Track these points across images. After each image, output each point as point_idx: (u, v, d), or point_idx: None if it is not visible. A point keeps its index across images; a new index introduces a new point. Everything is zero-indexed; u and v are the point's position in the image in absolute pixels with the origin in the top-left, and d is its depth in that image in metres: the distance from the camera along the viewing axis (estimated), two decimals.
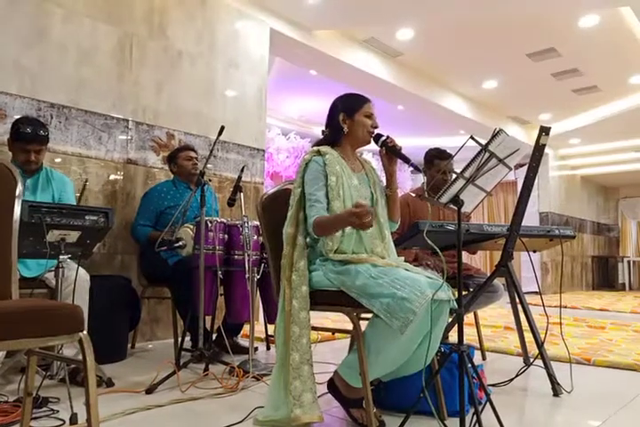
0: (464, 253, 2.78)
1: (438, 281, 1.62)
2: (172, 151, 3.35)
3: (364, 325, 1.72)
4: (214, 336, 2.95)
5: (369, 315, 1.69)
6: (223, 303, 2.86)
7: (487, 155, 1.70)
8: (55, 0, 3.09)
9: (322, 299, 1.78)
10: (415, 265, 1.92)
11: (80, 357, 1.20)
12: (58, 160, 3.05)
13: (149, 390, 2.15)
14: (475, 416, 1.51)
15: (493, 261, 10.07)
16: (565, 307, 6.28)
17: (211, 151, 2.65)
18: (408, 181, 9.85)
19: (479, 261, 10.66)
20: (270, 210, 2.03)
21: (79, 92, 3.18)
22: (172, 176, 3.30)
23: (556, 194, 9.48)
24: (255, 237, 2.69)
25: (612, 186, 11.92)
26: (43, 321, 1.15)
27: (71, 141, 3.12)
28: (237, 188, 2.72)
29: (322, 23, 4.85)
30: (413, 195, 2.89)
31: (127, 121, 3.41)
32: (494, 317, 4.98)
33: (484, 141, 1.70)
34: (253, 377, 2.35)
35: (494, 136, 1.70)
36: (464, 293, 2.54)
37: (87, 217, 2.07)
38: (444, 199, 1.72)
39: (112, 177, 3.32)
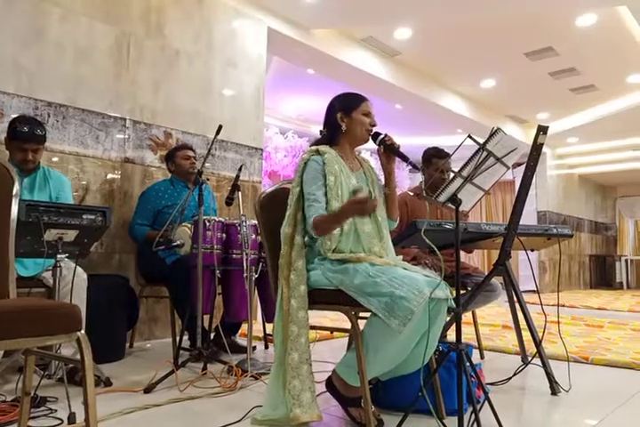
0: (461, 252, 2.78)
1: (436, 280, 1.62)
2: (169, 150, 3.34)
3: (362, 324, 1.72)
4: (212, 335, 2.95)
5: (367, 314, 1.69)
6: (221, 302, 2.86)
7: (485, 154, 1.71)
8: None
9: (320, 298, 1.78)
10: (413, 264, 1.92)
11: (78, 356, 1.20)
12: (55, 159, 3.04)
13: (148, 390, 2.15)
14: (473, 415, 1.51)
15: (491, 259, 10.08)
16: (563, 306, 6.30)
17: (209, 150, 2.65)
18: (406, 180, 9.85)
19: (477, 259, 10.67)
20: (268, 209, 2.02)
21: (76, 91, 3.17)
22: (169, 175, 3.30)
23: (553, 193, 9.49)
24: (253, 237, 2.69)
25: (609, 185, 11.94)
26: (40, 320, 1.15)
27: (68, 140, 3.12)
28: (235, 187, 2.72)
29: (320, 22, 4.84)
30: (411, 194, 2.89)
31: (124, 120, 3.40)
32: (492, 315, 4.99)
33: (481, 140, 1.70)
34: (252, 376, 2.35)
35: (492, 135, 1.70)
36: (462, 291, 2.54)
37: (85, 216, 2.07)
38: (442, 198, 1.72)
39: (109, 176, 3.31)
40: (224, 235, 2.70)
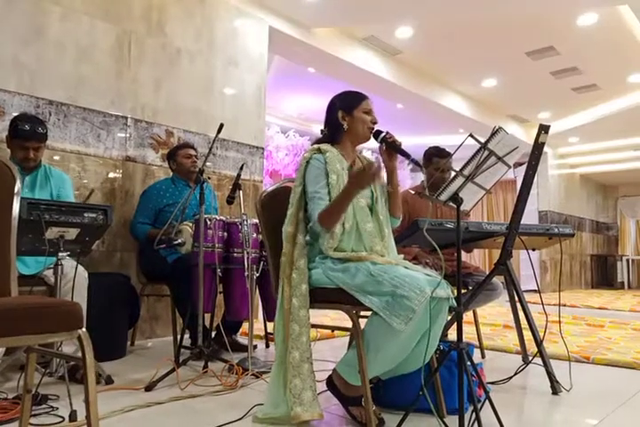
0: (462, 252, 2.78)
1: (437, 279, 1.62)
2: (171, 149, 3.34)
3: (363, 323, 1.72)
4: (213, 334, 2.95)
5: (368, 313, 1.69)
6: (222, 301, 2.87)
7: (486, 153, 1.70)
8: None
9: (321, 297, 1.77)
10: (414, 263, 1.92)
11: (79, 354, 1.20)
12: (56, 158, 3.05)
13: (149, 388, 2.15)
14: (474, 414, 1.51)
15: (492, 259, 10.08)
16: (564, 305, 6.30)
17: (210, 149, 2.65)
18: (407, 180, 9.85)
19: (478, 259, 10.67)
20: (269, 208, 2.02)
21: (78, 90, 3.17)
22: (171, 174, 3.30)
23: (555, 192, 9.48)
24: (254, 235, 2.69)
25: (611, 184, 11.93)
26: (42, 318, 1.15)
27: (70, 139, 3.12)
28: (236, 185, 2.72)
29: (321, 21, 4.84)
30: (412, 192, 2.89)
31: (126, 118, 3.41)
32: (493, 315, 4.99)
33: (483, 140, 1.70)
34: (252, 375, 2.35)
35: (493, 134, 1.70)
36: (463, 291, 2.54)
37: (86, 214, 2.07)
38: (444, 197, 1.72)
39: (111, 175, 3.31)
40: (225, 233, 2.70)
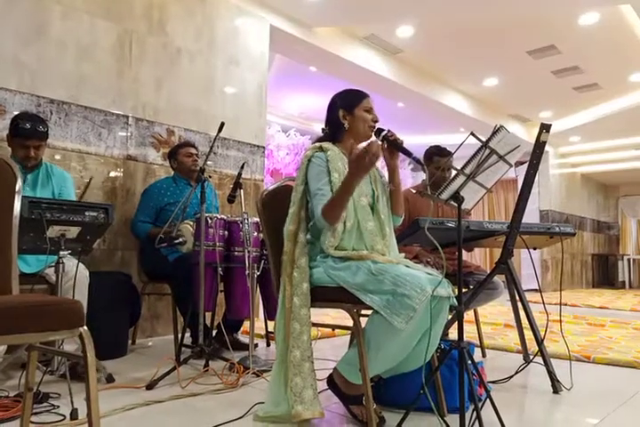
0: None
1: (438, 278, 1.62)
2: (172, 148, 3.35)
3: (364, 321, 1.72)
4: (214, 333, 2.96)
5: (369, 311, 1.69)
6: (223, 300, 2.87)
7: (488, 151, 1.70)
8: None
9: (322, 295, 1.77)
10: (415, 262, 1.92)
11: (80, 352, 1.20)
12: (57, 157, 3.05)
13: (149, 386, 2.15)
14: (474, 413, 1.51)
15: (493, 258, 10.07)
16: (565, 304, 6.29)
17: (211, 148, 2.65)
18: (409, 179, 9.85)
19: (479, 258, 10.67)
20: (270, 206, 2.02)
21: (79, 89, 3.18)
22: (172, 173, 3.30)
23: (556, 192, 9.48)
24: (255, 234, 2.69)
25: (612, 184, 11.92)
26: (43, 316, 1.15)
27: (71, 137, 3.12)
28: (237, 184, 2.72)
29: (322, 20, 4.84)
30: (414, 191, 2.88)
31: (127, 117, 3.41)
32: (494, 314, 4.99)
33: (484, 138, 1.70)
34: (253, 373, 2.35)
35: (495, 132, 1.70)
36: (464, 290, 2.54)
37: (87, 213, 2.07)
38: (445, 196, 1.72)
39: (112, 173, 3.31)
40: (226, 232, 2.71)
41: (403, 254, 1.92)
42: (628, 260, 11.32)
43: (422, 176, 2.58)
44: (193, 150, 3.23)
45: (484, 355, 2.95)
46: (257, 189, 4.19)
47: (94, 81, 3.25)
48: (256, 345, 3.04)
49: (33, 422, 1.65)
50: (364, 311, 1.77)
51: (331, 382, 1.83)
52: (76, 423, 1.71)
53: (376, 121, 1.92)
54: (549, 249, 8.93)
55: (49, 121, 2.95)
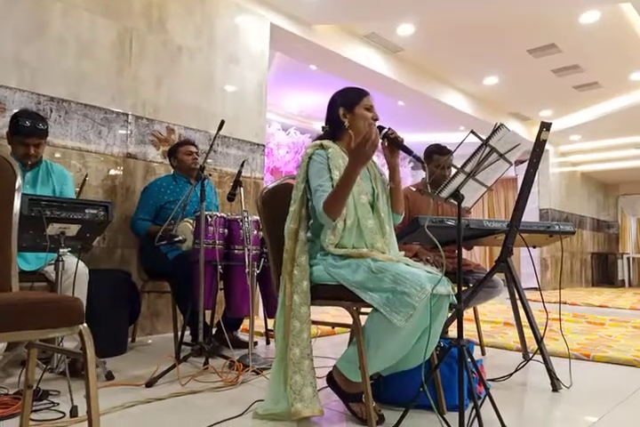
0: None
1: (438, 276, 1.62)
2: (172, 146, 3.34)
3: (363, 319, 1.72)
4: (214, 330, 2.96)
5: (369, 309, 1.69)
6: (223, 298, 2.87)
7: (488, 149, 1.70)
8: None
9: (322, 293, 1.78)
10: (415, 260, 1.92)
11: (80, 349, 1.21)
12: (57, 155, 3.04)
13: (149, 384, 2.15)
14: (474, 411, 1.51)
15: (493, 256, 10.08)
16: (565, 303, 6.29)
17: (211, 146, 2.65)
18: (409, 177, 9.85)
19: (479, 256, 10.67)
20: (270, 205, 2.02)
21: (79, 86, 3.17)
22: (172, 171, 3.30)
23: (556, 190, 9.48)
24: (255, 232, 2.69)
25: (612, 183, 11.92)
26: (43, 313, 1.15)
27: (71, 135, 3.12)
28: (237, 182, 2.72)
29: (322, 18, 4.83)
30: (413, 189, 2.88)
31: (127, 115, 3.40)
32: (494, 312, 4.99)
33: (484, 137, 1.70)
34: (253, 371, 2.35)
35: (495, 131, 1.69)
36: (464, 288, 2.54)
37: (87, 210, 2.07)
38: (445, 194, 1.72)
39: (112, 171, 3.31)
40: (226, 230, 2.71)
41: (402, 253, 1.92)
42: (628, 258, 11.33)
43: (422, 174, 2.58)
44: (193, 148, 3.23)
45: (483, 353, 2.96)
46: (257, 188, 4.18)
47: (94, 79, 3.25)
48: (256, 343, 3.04)
49: (33, 420, 1.65)
50: (363, 309, 1.77)
51: (330, 379, 1.83)
52: (76, 421, 1.71)
53: (376, 119, 1.92)
54: (549, 248, 8.94)
55: (49, 119, 2.95)
